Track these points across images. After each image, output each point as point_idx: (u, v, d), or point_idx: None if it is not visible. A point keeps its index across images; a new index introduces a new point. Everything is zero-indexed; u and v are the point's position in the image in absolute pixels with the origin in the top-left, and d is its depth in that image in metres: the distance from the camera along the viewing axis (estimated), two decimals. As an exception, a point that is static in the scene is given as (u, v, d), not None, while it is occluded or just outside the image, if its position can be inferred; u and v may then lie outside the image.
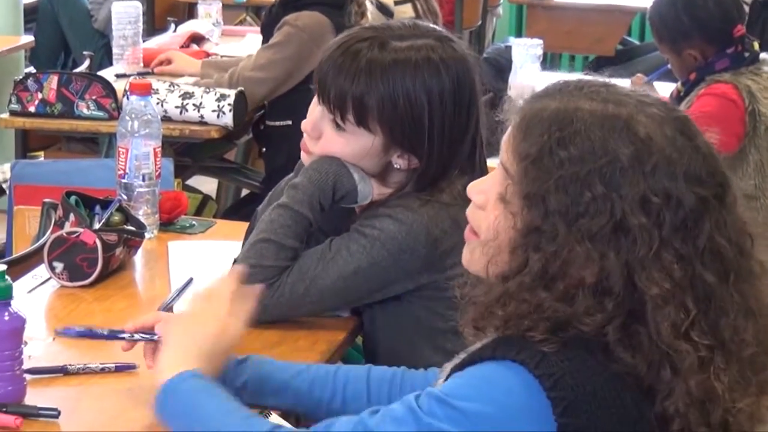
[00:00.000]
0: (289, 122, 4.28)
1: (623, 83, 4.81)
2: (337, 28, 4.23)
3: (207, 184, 5.33)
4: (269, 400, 2.02)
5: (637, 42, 7.83)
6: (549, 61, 7.07)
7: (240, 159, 5.32)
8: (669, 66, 4.19)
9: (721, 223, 1.58)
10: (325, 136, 2.38)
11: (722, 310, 1.57)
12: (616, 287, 1.54)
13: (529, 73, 4.63)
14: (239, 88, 4.15)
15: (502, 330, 1.59)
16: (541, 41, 4.79)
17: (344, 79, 2.30)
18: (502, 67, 4.94)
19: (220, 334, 1.90)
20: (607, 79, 1.69)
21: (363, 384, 2.03)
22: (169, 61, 4.74)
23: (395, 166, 2.36)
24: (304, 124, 2.42)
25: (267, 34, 4.44)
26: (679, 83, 4.08)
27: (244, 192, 5.20)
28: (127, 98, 2.85)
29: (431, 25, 2.41)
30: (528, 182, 1.58)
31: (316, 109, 2.38)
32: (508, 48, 5.07)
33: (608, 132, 1.57)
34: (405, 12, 5.25)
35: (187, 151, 4.53)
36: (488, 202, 1.66)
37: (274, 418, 1.97)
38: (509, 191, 1.61)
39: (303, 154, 2.43)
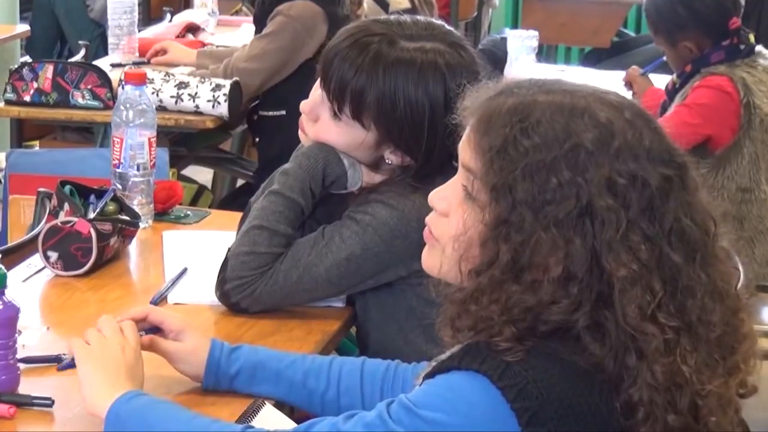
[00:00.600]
0: (283, 112, 4.27)
1: (619, 75, 4.81)
2: (330, 17, 4.23)
3: (202, 174, 5.32)
4: (262, 388, 2.02)
5: (632, 34, 7.83)
6: (545, 53, 7.08)
7: (235, 149, 5.31)
8: (664, 58, 4.19)
9: (686, 204, 1.59)
10: (321, 121, 2.38)
11: (689, 291, 1.57)
12: (580, 272, 1.55)
13: (524, 65, 4.63)
14: (234, 78, 4.15)
15: (473, 334, 1.59)
16: (536, 33, 4.79)
17: (347, 70, 2.29)
18: (497, 58, 4.92)
19: (125, 349, 1.89)
20: (558, 76, 1.71)
21: (357, 377, 2.03)
22: (164, 51, 4.73)
23: (387, 161, 2.36)
24: (303, 105, 2.41)
25: (259, 24, 4.43)
26: (674, 75, 4.08)
27: (240, 182, 5.20)
28: (123, 88, 2.85)
29: (446, 28, 2.39)
30: (494, 174, 1.59)
31: (317, 92, 2.38)
32: (504, 39, 5.06)
33: (570, 118, 1.58)
34: (401, 2, 5.24)
35: (182, 141, 4.52)
36: (451, 208, 1.66)
37: (268, 409, 1.98)
38: (475, 186, 1.61)
39: (300, 134, 2.43)
